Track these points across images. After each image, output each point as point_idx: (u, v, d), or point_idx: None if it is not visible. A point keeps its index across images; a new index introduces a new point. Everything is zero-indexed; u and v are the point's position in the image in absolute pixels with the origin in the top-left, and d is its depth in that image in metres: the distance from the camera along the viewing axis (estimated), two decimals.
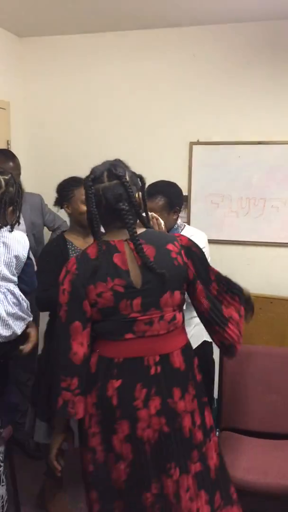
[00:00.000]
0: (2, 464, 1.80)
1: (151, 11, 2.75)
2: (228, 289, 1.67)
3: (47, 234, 3.07)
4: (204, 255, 1.69)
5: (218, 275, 1.68)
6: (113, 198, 1.52)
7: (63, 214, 3.07)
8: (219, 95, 3.00)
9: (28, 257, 1.72)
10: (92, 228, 1.57)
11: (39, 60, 3.30)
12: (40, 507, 2.55)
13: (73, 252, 2.37)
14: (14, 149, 3.12)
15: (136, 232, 1.54)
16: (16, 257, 1.66)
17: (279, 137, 2.92)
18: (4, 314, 1.57)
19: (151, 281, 1.52)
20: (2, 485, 1.80)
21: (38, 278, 2.21)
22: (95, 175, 1.56)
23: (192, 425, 1.58)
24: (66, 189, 2.38)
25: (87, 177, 1.58)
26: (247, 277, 3.04)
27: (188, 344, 1.66)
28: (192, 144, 3.06)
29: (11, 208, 1.67)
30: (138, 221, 1.62)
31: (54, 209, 3.01)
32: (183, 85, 3.05)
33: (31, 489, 2.68)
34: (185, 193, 3.08)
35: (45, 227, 3.05)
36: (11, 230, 1.66)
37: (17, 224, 1.71)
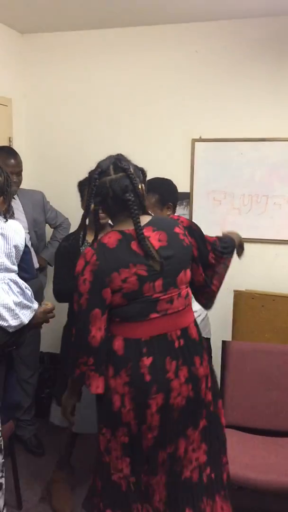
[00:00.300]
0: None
1: (153, 7, 2.74)
2: (222, 253, 1.85)
3: (49, 232, 3.07)
4: (201, 231, 1.83)
5: (213, 244, 1.84)
6: (120, 190, 1.64)
7: (65, 211, 3.08)
8: (222, 92, 2.98)
9: (25, 245, 1.73)
10: (95, 219, 1.72)
11: (41, 56, 3.29)
12: (44, 500, 2.56)
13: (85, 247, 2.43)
14: (16, 146, 3.12)
15: (139, 223, 1.64)
16: (15, 246, 1.67)
17: (282, 134, 2.91)
18: (12, 304, 1.58)
19: (167, 263, 1.66)
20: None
21: (56, 270, 2.43)
22: (102, 169, 1.67)
23: (206, 387, 1.77)
24: (82, 188, 2.47)
25: (94, 170, 1.70)
26: (250, 275, 3.06)
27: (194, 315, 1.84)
28: (194, 141, 3.05)
29: (1, 197, 1.67)
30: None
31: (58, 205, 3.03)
32: (185, 81, 3.04)
33: (33, 485, 2.70)
34: (187, 190, 3.08)
35: (47, 225, 3.05)
36: (6, 220, 1.67)
37: (8, 213, 1.71)
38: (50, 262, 3.02)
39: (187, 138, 3.06)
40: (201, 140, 3.05)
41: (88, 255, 1.64)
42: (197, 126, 3.04)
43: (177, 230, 1.73)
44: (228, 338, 2.93)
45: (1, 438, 1.76)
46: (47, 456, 2.96)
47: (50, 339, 3.32)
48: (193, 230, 1.79)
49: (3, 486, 1.77)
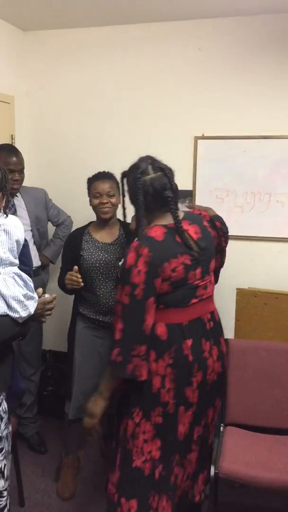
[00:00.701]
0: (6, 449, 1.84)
1: (156, 5, 2.73)
2: (227, 233, 2.17)
3: (51, 230, 3.07)
4: (215, 221, 2.09)
5: (221, 228, 2.13)
6: (160, 187, 1.82)
7: (67, 209, 3.08)
8: (225, 89, 2.97)
9: (24, 239, 1.78)
10: (139, 216, 1.82)
11: (43, 54, 3.29)
12: (44, 497, 2.57)
13: (87, 242, 2.56)
14: (18, 144, 3.12)
15: (179, 217, 1.83)
16: (17, 241, 1.71)
17: (285, 131, 2.89)
18: (21, 297, 1.62)
19: (203, 253, 1.87)
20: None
21: (62, 264, 2.57)
22: (142, 169, 1.83)
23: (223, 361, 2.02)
24: (88, 184, 2.55)
25: (135, 171, 1.84)
26: (252, 273, 3.05)
27: None
28: (197, 138, 3.04)
29: (0, 193, 1.68)
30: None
31: (61, 203, 3.03)
32: (188, 79, 3.03)
33: (35, 483, 2.70)
34: (189, 188, 3.08)
35: (49, 222, 3.04)
36: (6, 216, 1.69)
37: (7, 209, 1.74)
38: (52, 259, 3.02)
39: (189, 136, 3.05)
40: (203, 137, 3.04)
41: (140, 249, 1.75)
42: (199, 123, 3.03)
43: (205, 223, 1.96)
44: (231, 336, 2.93)
45: (10, 430, 1.82)
46: (49, 454, 2.97)
47: (52, 337, 3.33)
48: (213, 222, 2.05)
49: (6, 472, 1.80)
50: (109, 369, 1.86)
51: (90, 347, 2.55)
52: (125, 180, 1.94)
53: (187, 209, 2.16)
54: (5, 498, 1.75)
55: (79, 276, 2.33)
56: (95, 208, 2.51)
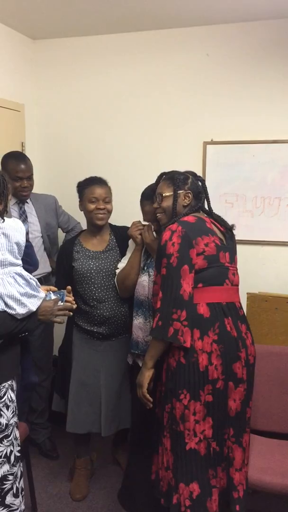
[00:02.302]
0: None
1: (165, 11, 2.75)
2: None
3: (61, 236, 3.09)
4: None
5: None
6: (197, 188, 2.12)
7: (77, 216, 3.10)
8: (233, 94, 2.98)
9: (27, 240, 1.88)
10: (198, 206, 2.09)
11: (53, 62, 3.32)
12: (57, 503, 2.57)
13: (78, 253, 2.54)
14: (28, 151, 3.15)
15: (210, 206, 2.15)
16: (17, 243, 1.81)
17: None
18: (17, 295, 1.73)
19: (229, 242, 2.07)
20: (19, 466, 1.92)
21: (56, 277, 2.62)
22: (196, 175, 2.16)
23: None
24: (80, 189, 2.54)
25: (194, 176, 2.14)
26: (263, 277, 3.04)
27: None
28: (206, 143, 3.05)
29: None
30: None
31: (71, 209, 3.05)
32: (197, 84, 3.04)
33: (47, 488, 2.71)
34: None
35: (59, 229, 3.06)
36: (3, 220, 1.79)
37: (6, 213, 1.83)
38: None
39: (198, 141, 3.06)
40: (212, 142, 3.04)
41: (173, 227, 1.94)
42: (208, 129, 3.04)
43: (227, 225, 2.14)
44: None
45: (16, 421, 1.89)
46: (61, 459, 2.97)
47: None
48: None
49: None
50: (152, 339, 1.98)
51: (88, 360, 2.55)
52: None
53: None
54: (10, 482, 1.83)
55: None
56: (89, 213, 2.47)
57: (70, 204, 3.09)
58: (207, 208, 2.15)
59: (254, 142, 2.96)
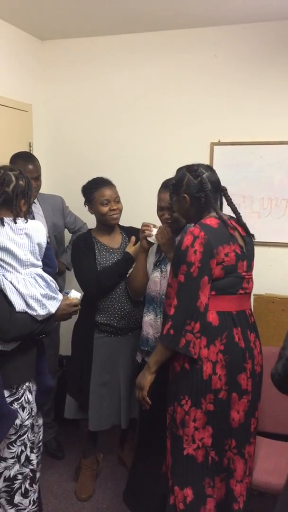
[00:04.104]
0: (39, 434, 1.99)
1: (172, 12, 2.75)
2: None
3: (67, 237, 3.09)
4: None
5: None
6: (216, 182, 1.99)
7: (83, 216, 3.10)
8: (240, 95, 2.98)
9: (47, 242, 1.90)
10: (206, 205, 1.95)
11: (61, 62, 3.33)
12: (62, 503, 2.58)
13: (97, 246, 2.54)
14: (36, 151, 3.16)
15: (234, 204, 2.06)
16: (38, 244, 1.82)
17: None
18: (39, 296, 1.74)
19: (248, 248, 2.00)
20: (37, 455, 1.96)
21: (80, 266, 2.52)
22: (196, 169, 1.96)
23: None
24: (88, 192, 2.54)
25: (192, 172, 1.97)
26: (270, 278, 3.03)
27: None
28: (213, 144, 3.05)
29: (23, 200, 1.80)
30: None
31: (77, 210, 3.05)
32: (204, 85, 3.04)
33: (53, 488, 2.71)
34: None
35: (66, 229, 3.07)
36: (27, 221, 1.81)
37: (29, 215, 1.86)
38: (69, 266, 3.03)
39: (206, 142, 3.06)
40: (220, 143, 3.04)
41: (196, 232, 1.85)
42: (216, 130, 3.04)
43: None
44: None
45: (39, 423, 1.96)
46: (66, 459, 2.98)
47: (68, 342, 3.34)
48: None
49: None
50: (160, 344, 1.92)
51: (107, 358, 2.55)
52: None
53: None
54: (19, 482, 1.84)
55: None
56: (103, 215, 2.49)
57: (77, 205, 3.09)
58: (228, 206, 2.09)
59: (262, 143, 2.95)
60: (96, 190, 2.49)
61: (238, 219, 2.05)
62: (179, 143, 3.11)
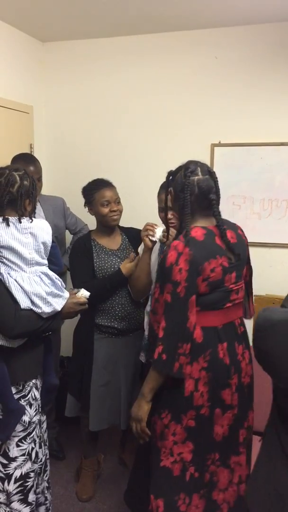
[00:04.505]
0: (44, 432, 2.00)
1: (173, 14, 2.75)
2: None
3: (68, 238, 3.10)
4: None
5: None
6: (206, 189, 1.82)
7: (84, 217, 3.11)
8: (241, 97, 2.98)
9: (52, 241, 1.92)
10: (182, 214, 1.82)
11: (61, 64, 3.34)
12: (63, 503, 2.58)
13: (96, 248, 2.53)
14: (36, 153, 3.17)
15: (222, 220, 1.86)
16: (43, 243, 1.85)
17: None
18: (43, 294, 1.77)
19: (238, 257, 1.87)
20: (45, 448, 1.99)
21: (73, 272, 2.54)
22: (191, 169, 1.82)
23: None
24: (88, 193, 2.55)
25: (183, 170, 1.84)
26: (270, 279, 3.03)
27: None
28: (213, 145, 3.05)
29: (28, 200, 1.83)
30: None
31: (78, 211, 3.06)
32: (205, 87, 3.05)
33: (54, 488, 2.71)
34: None
35: (67, 231, 3.07)
36: (32, 220, 1.83)
37: (33, 214, 1.88)
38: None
39: (206, 143, 3.06)
40: (220, 145, 3.05)
41: (180, 247, 1.75)
42: (216, 131, 3.04)
43: (239, 231, 1.97)
44: (250, 343, 2.91)
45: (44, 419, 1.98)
46: (67, 460, 2.98)
47: (69, 343, 3.35)
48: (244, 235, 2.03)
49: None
50: (153, 370, 1.83)
51: (108, 359, 2.55)
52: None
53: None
54: (31, 479, 1.86)
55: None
56: (104, 217, 2.50)
57: (78, 206, 3.10)
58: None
59: (262, 144, 2.96)
60: (96, 191, 2.50)
61: (222, 235, 1.83)
62: (179, 144, 3.11)
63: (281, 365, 1.28)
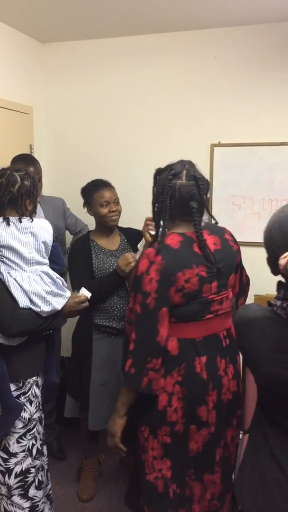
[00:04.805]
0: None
1: (173, 14, 2.76)
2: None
3: (68, 238, 3.10)
4: None
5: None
6: (187, 196, 1.68)
7: (85, 218, 3.11)
8: (241, 97, 2.99)
9: (54, 240, 1.93)
10: (158, 218, 1.72)
11: (61, 65, 3.34)
12: (64, 504, 2.58)
13: (94, 249, 2.55)
14: (36, 153, 3.17)
15: (201, 229, 1.70)
16: (44, 242, 1.86)
17: None
18: (43, 293, 1.78)
19: (221, 265, 1.73)
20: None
21: (72, 273, 2.52)
22: (175, 171, 1.70)
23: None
24: (87, 194, 2.56)
25: (167, 171, 1.72)
26: (270, 279, 3.02)
27: None
28: (213, 146, 3.06)
29: (28, 200, 1.84)
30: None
31: (78, 212, 3.06)
32: (204, 87, 3.05)
33: (55, 489, 2.71)
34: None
35: (67, 231, 3.08)
36: (32, 220, 1.85)
37: (34, 214, 1.89)
38: None
39: (206, 143, 3.07)
40: (220, 145, 3.05)
41: (152, 255, 1.66)
42: (216, 131, 3.05)
43: (227, 236, 1.84)
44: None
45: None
46: (68, 460, 2.98)
47: (68, 343, 3.35)
48: (236, 240, 1.91)
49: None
50: (123, 385, 1.80)
51: (107, 359, 2.55)
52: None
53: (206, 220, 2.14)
54: (32, 475, 1.88)
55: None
56: (103, 217, 2.51)
57: (78, 206, 3.10)
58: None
59: (262, 144, 2.96)
60: (95, 191, 2.51)
61: (201, 245, 1.69)
62: (179, 144, 3.11)
63: (258, 360, 1.32)
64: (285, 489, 1.28)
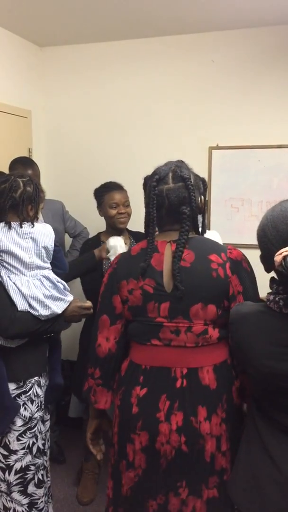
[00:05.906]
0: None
1: (170, 18, 2.77)
2: None
3: (68, 241, 3.11)
4: (253, 273, 1.60)
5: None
6: (177, 201, 1.49)
7: (83, 221, 3.12)
8: (238, 99, 3.00)
9: (55, 245, 1.94)
10: (147, 228, 1.55)
11: (60, 69, 3.35)
12: (64, 507, 2.58)
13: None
14: (35, 157, 3.18)
15: (186, 239, 1.49)
16: (45, 247, 1.88)
17: None
18: (41, 297, 1.80)
19: (185, 287, 1.45)
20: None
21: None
22: (160, 176, 1.52)
23: (216, 450, 1.48)
24: (98, 195, 2.61)
25: (151, 177, 1.54)
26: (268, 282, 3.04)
27: (226, 362, 1.55)
28: (211, 148, 3.07)
29: (30, 205, 1.86)
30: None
31: (77, 215, 3.07)
32: (202, 90, 3.06)
33: (54, 492, 2.71)
34: None
35: (66, 234, 3.08)
36: (33, 226, 1.86)
37: (36, 219, 1.91)
38: None
39: (204, 146, 3.08)
40: (218, 147, 3.06)
41: (116, 258, 1.63)
42: (214, 134, 3.06)
43: (213, 257, 1.50)
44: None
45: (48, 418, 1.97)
46: (68, 463, 2.98)
47: (69, 346, 3.35)
48: (242, 267, 1.56)
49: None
50: None
51: None
52: None
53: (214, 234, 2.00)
54: (32, 472, 1.89)
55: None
56: (111, 218, 2.54)
57: (77, 209, 3.12)
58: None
59: (260, 147, 2.97)
60: (106, 193, 2.55)
61: (177, 254, 1.46)
62: (177, 147, 3.12)
63: (251, 353, 1.32)
64: (280, 484, 1.28)
